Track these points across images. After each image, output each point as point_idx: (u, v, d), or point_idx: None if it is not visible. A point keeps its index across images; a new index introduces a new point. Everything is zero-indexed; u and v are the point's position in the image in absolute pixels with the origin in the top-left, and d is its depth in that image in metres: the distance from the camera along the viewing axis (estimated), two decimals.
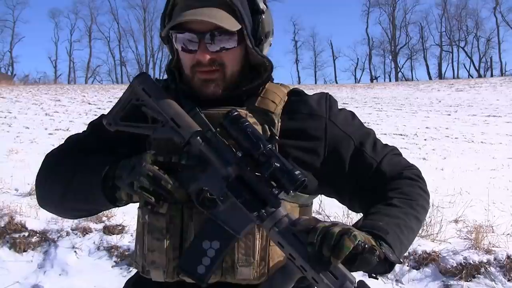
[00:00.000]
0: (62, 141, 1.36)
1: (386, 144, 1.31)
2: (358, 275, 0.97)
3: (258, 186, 1.05)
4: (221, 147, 1.08)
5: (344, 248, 0.92)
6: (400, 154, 1.31)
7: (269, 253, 1.15)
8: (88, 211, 1.29)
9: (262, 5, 1.21)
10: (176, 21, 1.13)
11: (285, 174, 1.01)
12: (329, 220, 1.11)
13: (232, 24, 1.14)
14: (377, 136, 1.33)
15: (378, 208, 1.13)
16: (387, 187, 1.20)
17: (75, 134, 1.37)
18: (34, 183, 1.32)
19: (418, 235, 1.30)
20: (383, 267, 1.02)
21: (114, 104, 1.21)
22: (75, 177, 1.20)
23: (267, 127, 1.19)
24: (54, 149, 1.33)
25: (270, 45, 1.29)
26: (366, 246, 0.95)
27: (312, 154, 1.23)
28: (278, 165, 1.02)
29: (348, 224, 1.15)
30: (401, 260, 1.04)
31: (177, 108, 1.14)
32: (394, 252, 1.03)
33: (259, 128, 1.17)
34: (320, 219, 1.02)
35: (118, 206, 1.20)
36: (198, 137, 1.09)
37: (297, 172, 1.01)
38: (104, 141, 1.27)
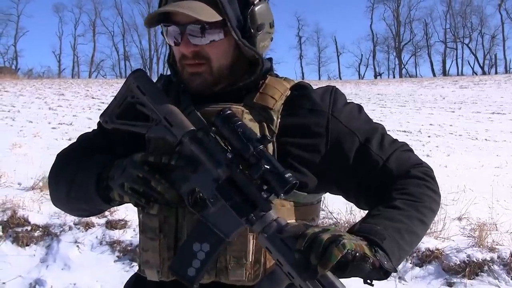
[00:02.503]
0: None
1: (396, 140, 1.23)
2: (355, 280, 0.95)
3: (248, 188, 1.01)
4: (212, 148, 1.05)
5: (331, 258, 0.88)
6: (410, 150, 1.24)
7: (265, 254, 1.12)
8: (89, 210, 1.28)
9: None
10: (153, 14, 1.11)
11: (275, 177, 0.98)
12: (322, 225, 1.07)
13: (210, 16, 1.09)
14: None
15: (379, 211, 1.08)
16: (392, 186, 1.14)
17: (85, 133, 1.37)
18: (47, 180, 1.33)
19: None
20: (378, 274, 0.96)
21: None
22: (77, 176, 1.19)
23: (265, 124, 1.14)
24: (65, 148, 1.33)
25: (271, 39, 1.23)
26: (357, 254, 0.91)
27: (313, 152, 1.17)
28: (268, 167, 0.98)
29: (350, 222, 1.12)
30: (396, 269, 0.99)
31: (170, 106, 1.11)
32: (390, 260, 0.97)
33: (255, 125, 1.12)
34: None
35: (113, 206, 1.20)
36: (189, 137, 1.07)
37: (287, 175, 0.97)
38: (108, 140, 1.26)
